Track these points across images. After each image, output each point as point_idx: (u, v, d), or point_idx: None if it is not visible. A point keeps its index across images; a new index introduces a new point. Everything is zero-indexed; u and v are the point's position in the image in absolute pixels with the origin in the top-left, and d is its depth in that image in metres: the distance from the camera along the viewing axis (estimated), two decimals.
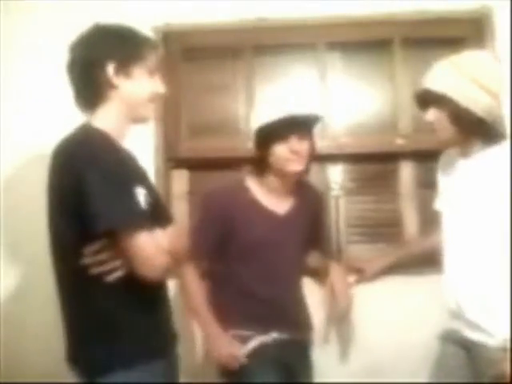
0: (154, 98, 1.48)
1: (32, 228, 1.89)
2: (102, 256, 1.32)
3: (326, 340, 2.12)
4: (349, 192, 2.29)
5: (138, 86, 1.44)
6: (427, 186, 2.20)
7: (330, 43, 2.28)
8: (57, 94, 1.92)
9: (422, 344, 1.94)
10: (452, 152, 1.75)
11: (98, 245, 1.31)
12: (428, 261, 1.95)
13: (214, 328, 1.81)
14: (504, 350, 1.49)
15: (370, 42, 2.28)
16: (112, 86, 1.42)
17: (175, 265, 1.41)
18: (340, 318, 2.07)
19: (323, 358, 2.06)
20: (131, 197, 1.32)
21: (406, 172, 2.28)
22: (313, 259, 2.04)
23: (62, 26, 2.12)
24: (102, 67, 1.40)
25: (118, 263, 1.32)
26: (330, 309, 2.05)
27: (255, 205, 1.86)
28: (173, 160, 2.26)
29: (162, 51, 1.55)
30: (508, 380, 1.48)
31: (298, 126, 1.78)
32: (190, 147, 2.28)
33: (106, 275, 1.33)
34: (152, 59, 1.47)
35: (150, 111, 1.50)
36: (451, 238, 1.68)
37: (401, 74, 2.26)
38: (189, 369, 1.93)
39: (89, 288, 1.35)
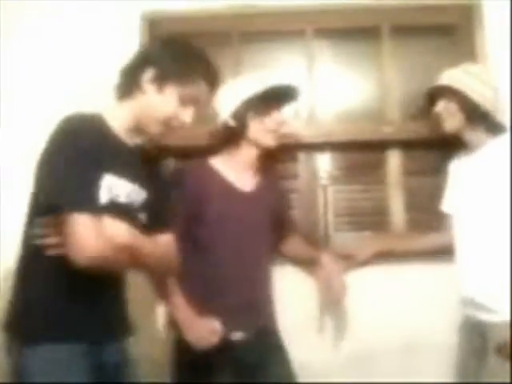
0: (169, 123, 1.46)
1: None
2: (47, 230, 1.33)
3: (321, 329, 2.12)
4: (336, 180, 2.27)
5: (162, 102, 1.43)
6: (414, 174, 2.22)
7: (318, 30, 2.26)
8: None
9: (414, 332, 1.97)
10: (459, 156, 1.97)
11: (47, 219, 1.33)
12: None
13: (188, 311, 1.75)
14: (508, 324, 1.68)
15: (358, 30, 2.26)
16: (141, 90, 1.43)
17: (132, 262, 1.39)
18: (335, 306, 2.07)
19: (316, 346, 2.08)
20: (84, 182, 1.31)
21: (394, 160, 2.27)
22: (296, 247, 2.05)
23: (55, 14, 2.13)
24: (145, 69, 1.43)
25: (56, 240, 1.33)
26: (324, 297, 2.06)
27: (220, 181, 1.85)
28: (158, 147, 2.24)
29: (214, 88, 1.54)
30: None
31: (281, 100, 1.85)
32: (176, 134, 2.25)
33: (47, 249, 1.34)
34: (196, 88, 1.45)
35: (158, 132, 1.48)
36: (463, 234, 1.88)
37: (389, 62, 2.25)
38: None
39: (33, 260, 1.38)
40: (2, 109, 2.19)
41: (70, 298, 1.38)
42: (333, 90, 2.28)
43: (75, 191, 1.30)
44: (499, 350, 1.68)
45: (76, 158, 1.31)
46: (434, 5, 2.19)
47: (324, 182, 2.27)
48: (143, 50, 1.51)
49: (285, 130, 1.90)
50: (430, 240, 2.07)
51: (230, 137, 1.86)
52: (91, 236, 1.28)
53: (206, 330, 1.73)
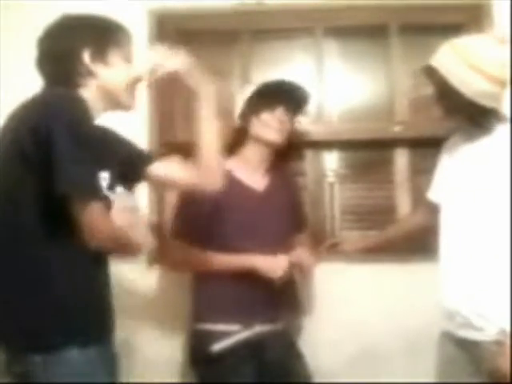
0: (133, 84, 1.45)
1: None
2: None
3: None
4: (343, 179, 2.28)
5: (116, 72, 1.42)
6: (422, 173, 2.21)
7: (327, 28, 2.26)
8: None
9: (414, 329, 1.96)
10: (453, 141, 1.75)
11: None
12: (421, 247, 1.97)
13: (241, 256, 1.78)
14: (497, 344, 1.49)
15: (367, 28, 2.25)
16: (90, 74, 1.38)
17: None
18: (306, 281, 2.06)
19: (315, 342, 2.07)
20: (94, 171, 1.29)
21: (402, 159, 2.26)
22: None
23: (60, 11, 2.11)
24: (78, 55, 1.37)
25: None
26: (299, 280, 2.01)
27: (235, 182, 1.86)
28: (167, 145, 2.25)
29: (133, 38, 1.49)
30: (505, 375, 1.46)
31: (287, 98, 1.87)
32: (184, 133, 2.26)
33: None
34: (127, 45, 1.45)
35: (132, 99, 1.46)
36: (449, 231, 1.66)
37: (398, 61, 2.24)
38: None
39: (33, 248, 1.28)
40: (3, 110, 2.20)
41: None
42: (341, 89, 2.28)
43: (88, 180, 1.26)
44: (492, 374, 1.51)
45: (89, 144, 1.26)
46: (443, 3, 2.18)
47: (331, 180, 2.28)
48: (52, 45, 1.39)
49: (289, 127, 1.91)
50: (411, 221, 2.01)
51: (238, 137, 1.90)
52: (105, 221, 1.29)
53: (279, 261, 1.78)
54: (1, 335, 1.30)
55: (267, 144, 1.89)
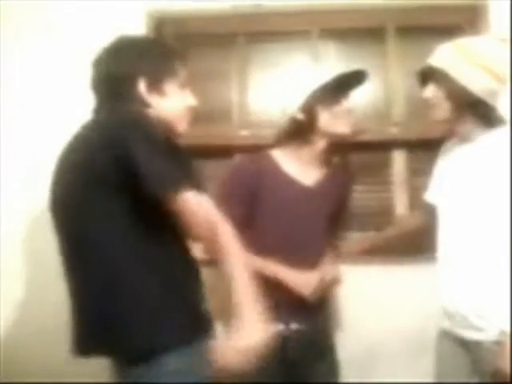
0: (187, 113, 1.45)
1: None
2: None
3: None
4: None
5: (172, 102, 1.40)
6: (420, 174, 2.21)
7: (323, 30, 2.27)
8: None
9: (414, 329, 1.95)
10: (451, 143, 1.74)
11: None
12: (420, 248, 1.97)
13: (284, 269, 1.74)
14: (497, 344, 1.48)
15: (363, 30, 2.27)
16: (145, 105, 1.35)
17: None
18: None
19: None
20: (177, 165, 1.26)
21: (399, 160, 2.27)
22: None
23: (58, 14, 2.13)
24: (133, 83, 1.35)
25: None
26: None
27: (281, 174, 1.81)
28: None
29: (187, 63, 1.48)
30: (505, 375, 1.45)
31: (348, 87, 1.80)
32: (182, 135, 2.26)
33: None
34: (182, 72, 1.43)
35: (185, 125, 1.45)
36: (448, 232, 1.65)
37: (395, 63, 2.25)
38: None
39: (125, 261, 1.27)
40: (5, 112, 2.21)
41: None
42: None
43: (177, 174, 1.25)
44: (493, 374, 1.49)
45: (160, 148, 1.25)
46: (440, 5, 2.19)
47: None
48: (108, 69, 1.38)
49: (354, 117, 1.82)
50: (409, 222, 2.02)
51: (299, 130, 1.79)
52: (205, 206, 1.28)
53: (311, 278, 1.75)
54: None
55: (337, 137, 1.80)
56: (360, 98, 2.26)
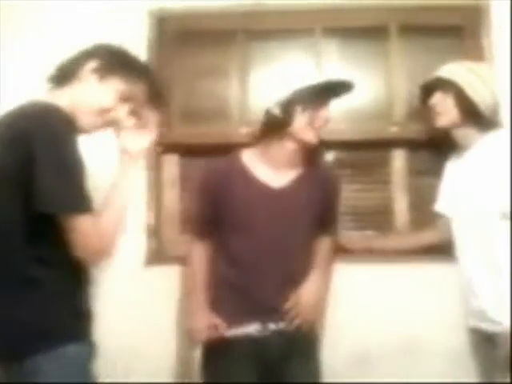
0: (103, 115, 1.41)
1: None
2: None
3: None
4: (341, 179, 2.27)
5: (101, 92, 1.40)
6: (419, 174, 2.22)
7: (326, 29, 2.26)
8: None
9: (415, 329, 1.96)
10: (459, 150, 1.87)
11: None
12: (422, 251, 1.98)
13: (200, 304, 1.79)
14: None
15: (366, 29, 2.26)
16: (80, 78, 1.40)
17: None
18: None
19: None
20: (78, 181, 1.27)
21: (399, 160, 2.27)
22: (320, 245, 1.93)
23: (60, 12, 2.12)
24: (88, 60, 1.41)
25: None
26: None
27: (248, 176, 1.79)
28: (163, 145, 2.24)
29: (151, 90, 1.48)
30: None
31: (330, 96, 1.77)
32: (181, 132, 2.26)
33: None
34: (136, 89, 1.43)
35: (90, 124, 1.41)
36: (465, 238, 1.80)
37: (397, 62, 2.24)
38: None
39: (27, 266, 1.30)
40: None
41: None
42: None
43: (72, 195, 1.27)
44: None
45: (66, 160, 1.26)
46: (442, 5, 2.19)
47: None
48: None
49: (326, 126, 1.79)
50: (423, 238, 2.05)
51: (271, 126, 1.74)
52: (96, 236, 1.31)
53: (204, 323, 1.76)
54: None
55: (303, 143, 1.76)
56: (361, 96, 2.27)
